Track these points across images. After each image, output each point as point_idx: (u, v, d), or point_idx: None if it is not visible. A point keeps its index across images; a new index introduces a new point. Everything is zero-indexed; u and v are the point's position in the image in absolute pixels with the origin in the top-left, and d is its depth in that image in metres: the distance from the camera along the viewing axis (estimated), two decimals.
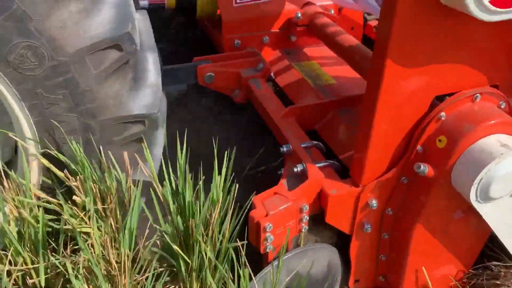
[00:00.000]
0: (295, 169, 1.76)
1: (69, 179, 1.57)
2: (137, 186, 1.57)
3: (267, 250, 1.61)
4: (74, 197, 1.55)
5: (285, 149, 1.87)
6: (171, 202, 1.54)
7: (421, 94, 1.53)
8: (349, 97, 2.15)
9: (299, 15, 2.55)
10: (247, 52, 2.48)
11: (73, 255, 1.53)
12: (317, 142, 1.92)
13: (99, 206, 1.56)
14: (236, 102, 2.44)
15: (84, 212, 1.55)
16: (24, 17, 1.39)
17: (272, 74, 2.41)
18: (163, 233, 1.53)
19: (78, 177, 1.56)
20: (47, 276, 1.51)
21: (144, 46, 1.72)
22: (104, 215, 1.58)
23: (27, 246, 1.53)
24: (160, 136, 1.79)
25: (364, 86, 2.24)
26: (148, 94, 1.67)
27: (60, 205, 1.56)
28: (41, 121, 1.56)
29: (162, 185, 1.60)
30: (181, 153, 1.62)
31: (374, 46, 1.47)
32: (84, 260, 1.43)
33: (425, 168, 1.55)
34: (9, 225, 1.53)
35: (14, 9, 1.37)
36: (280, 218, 1.59)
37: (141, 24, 1.81)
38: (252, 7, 2.53)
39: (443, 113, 1.56)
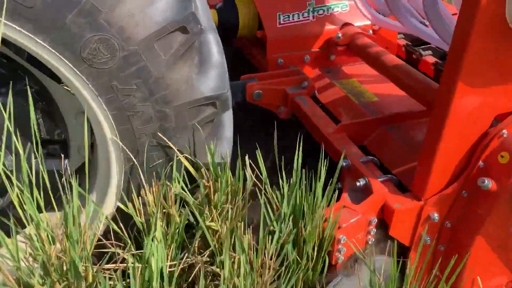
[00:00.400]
0: (358, 184, 1.83)
1: (204, 178, 1.61)
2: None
3: (339, 261, 1.67)
4: (212, 197, 1.59)
5: (344, 164, 1.94)
6: (285, 205, 1.59)
7: (486, 111, 1.62)
8: (397, 114, 2.23)
9: (340, 35, 2.64)
10: (291, 71, 2.56)
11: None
12: (372, 157, 2.00)
13: (226, 205, 1.60)
14: (281, 118, 2.51)
15: (215, 211, 1.59)
16: (93, 10, 1.38)
17: (316, 91, 2.48)
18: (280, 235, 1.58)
19: (211, 177, 1.61)
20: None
21: (205, 27, 1.69)
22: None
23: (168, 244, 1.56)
24: (229, 118, 1.78)
25: (406, 103, 2.37)
26: (215, 75, 1.66)
27: (200, 205, 1.61)
28: (117, 115, 1.55)
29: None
30: (297, 157, 1.66)
31: (445, 65, 1.56)
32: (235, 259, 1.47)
33: (489, 183, 1.63)
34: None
35: (83, 4, 1.37)
36: (352, 231, 1.66)
37: (198, 5, 1.77)
38: (295, 27, 2.62)
39: (505, 131, 1.64)
